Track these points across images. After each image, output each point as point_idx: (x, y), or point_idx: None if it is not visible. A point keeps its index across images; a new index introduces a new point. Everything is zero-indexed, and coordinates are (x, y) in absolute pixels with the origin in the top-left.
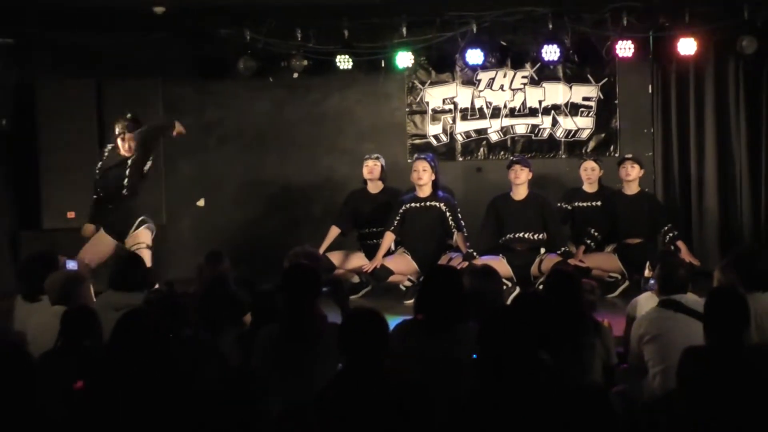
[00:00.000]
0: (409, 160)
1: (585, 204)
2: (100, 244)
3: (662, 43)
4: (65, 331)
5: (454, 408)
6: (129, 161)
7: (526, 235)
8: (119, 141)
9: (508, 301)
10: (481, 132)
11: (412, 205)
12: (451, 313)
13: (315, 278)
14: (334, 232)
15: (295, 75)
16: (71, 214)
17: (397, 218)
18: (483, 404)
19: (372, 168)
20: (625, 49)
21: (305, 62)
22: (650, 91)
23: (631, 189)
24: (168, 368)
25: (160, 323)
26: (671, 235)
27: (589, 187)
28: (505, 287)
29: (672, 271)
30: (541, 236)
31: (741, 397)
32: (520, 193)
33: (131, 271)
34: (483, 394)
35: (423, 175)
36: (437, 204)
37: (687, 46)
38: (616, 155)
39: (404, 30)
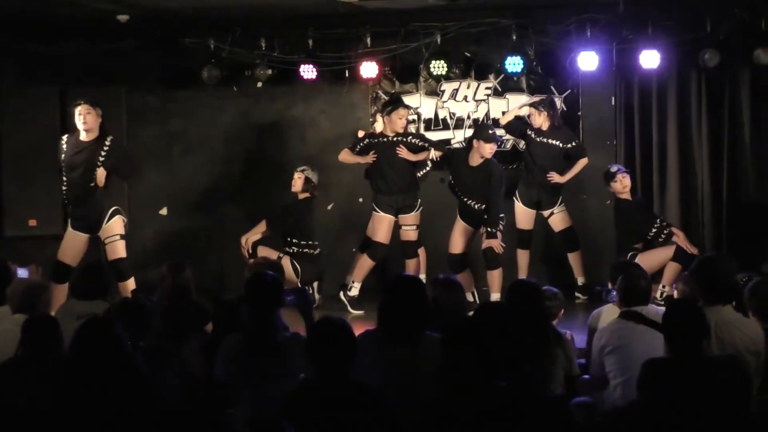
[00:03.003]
0: None
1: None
2: (72, 242)
3: (625, 55)
4: (26, 340)
5: (417, 418)
6: (103, 151)
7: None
8: (80, 119)
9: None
10: (445, 142)
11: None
12: (414, 323)
13: (277, 288)
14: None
15: (259, 84)
16: (33, 222)
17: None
18: (445, 414)
19: (295, 181)
20: (588, 60)
21: (269, 72)
22: (613, 103)
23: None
24: (129, 377)
25: (121, 331)
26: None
27: None
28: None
29: (633, 283)
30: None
31: (701, 408)
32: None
33: (93, 279)
34: (445, 404)
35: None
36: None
37: (650, 59)
38: None
39: (368, 40)
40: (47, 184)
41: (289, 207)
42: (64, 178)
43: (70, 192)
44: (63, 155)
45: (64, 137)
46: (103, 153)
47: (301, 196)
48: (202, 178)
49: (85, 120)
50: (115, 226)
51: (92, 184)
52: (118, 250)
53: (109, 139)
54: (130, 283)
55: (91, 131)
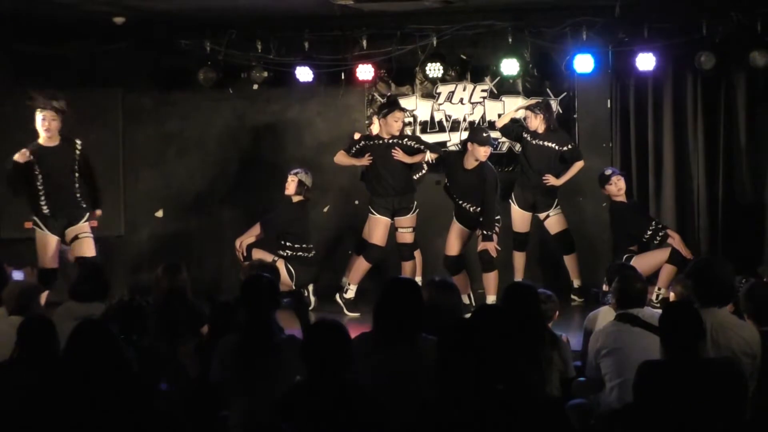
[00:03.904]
0: None
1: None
2: (51, 247)
3: (621, 57)
4: (22, 342)
5: (412, 420)
6: (77, 149)
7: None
8: (41, 120)
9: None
10: (441, 145)
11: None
12: (410, 325)
13: (273, 291)
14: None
15: (255, 86)
16: (28, 225)
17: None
18: (441, 417)
19: (288, 183)
20: (584, 63)
21: (265, 74)
22: (609, 105)
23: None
24: (124, 378)
25: (116, 333)
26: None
27: None
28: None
29: (629, 285)
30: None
31: (697, 411)
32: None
33: (92, 281)
34: (441, 406)
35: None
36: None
37: (646, 61)
38: None
39: (364, 43)
40: None
41: (282, 210)
42: (41, 185)
43: (51, 197)
44: (36, 164)
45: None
46: (77, 156)
47: (295, 199)
48: (198, 180)
49: (49, 126)
50: (87, 224)
51: (77, 185)
52: (91, 247)
53: (78, 143)
54: None
55: (54, 137)
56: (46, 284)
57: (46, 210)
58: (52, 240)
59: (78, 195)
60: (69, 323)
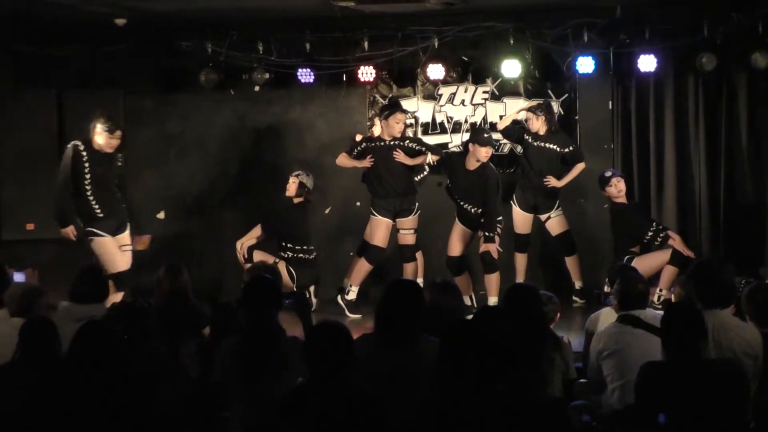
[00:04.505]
0: None
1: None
2: (111, 249)
3: (623, 59)
4: (24, 343)
5: (414, 421)
6: (119, 158)
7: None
8: (107, 138)
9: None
10: (442, 147)
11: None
12: (412, 326)
13: (275, 292)
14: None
15: (257, 88)
16: (30, 226)
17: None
18: (443, 418)
19: (289, 185)
20: (585, 64)
21: (267, 75)
22: (610, 106)
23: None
24: (126, 379)
25: (119, 334)
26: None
27: None
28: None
29: (631, 287)
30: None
31: (698, 412)
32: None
33: (91, 283)
34: (443, 407)
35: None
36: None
37: (647, 63)
38: None
39: (366, 44)
40: (45, 188)
41: (283, 212)
42: (90, 188)
43: (104, 202)
44: (87, 166)
45: (80, 145)
46: (119, 164)
47: (296, 200)
48: (199, 181)
49: (113, 145)
50: (128, 236)
51: (118, 195)
52: (128, 260)
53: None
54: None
55: (112, 147)
56: (122, 287)
57: (100, 214)
58: (113, 242)
59: (122, 202)
60: (70, 325)
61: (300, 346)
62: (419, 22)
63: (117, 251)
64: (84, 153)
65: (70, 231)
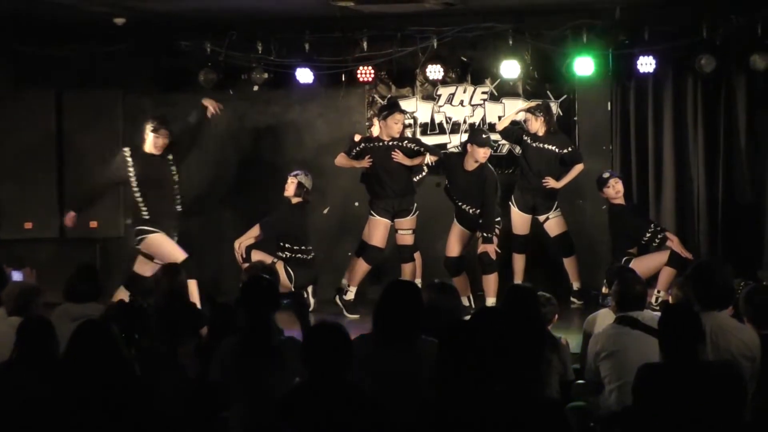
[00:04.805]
0: None
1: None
2: (168, 242)
3: (622, 60)
4: (21, 342)
5: (412, 422)
6: (170, 161)
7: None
8: (153, 138)
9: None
10: (441, 147)
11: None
12: (410, 327)
13: (273, 292)
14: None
15: (256, 88)
16: (28, 225)
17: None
18: (441, 419)
19: (288, 185)
20: (584, 66)
21: (266, 75)
22: (609, 108)
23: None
24: (125, 379)
25: (117, 334)
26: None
27: None
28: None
29: (628, 288)
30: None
31: (696, 414)
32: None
33: (86, 282)
34: (441, 408)
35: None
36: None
37: (646, 64)
38: None
39: (365, 44)
40: (43, 187)
41: (281, 212)
42: (137, 190)
43: (153, 205)
44: (131, 170)
45: (127, 153)
46: (172, 166)
47: (294, 200)
48: (198, 181)
49: (158, 146)
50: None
51: (175, 198)
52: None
53: (173, 160)
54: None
55: (160, 149)
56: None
57: (146, 215)
58: (164, 236)
59: (176, 205)
60: (67, 324)
61: (298, 347)
62: (418, 23)
63: (171, 243)
64: (129, 159)
65: (71, 216)
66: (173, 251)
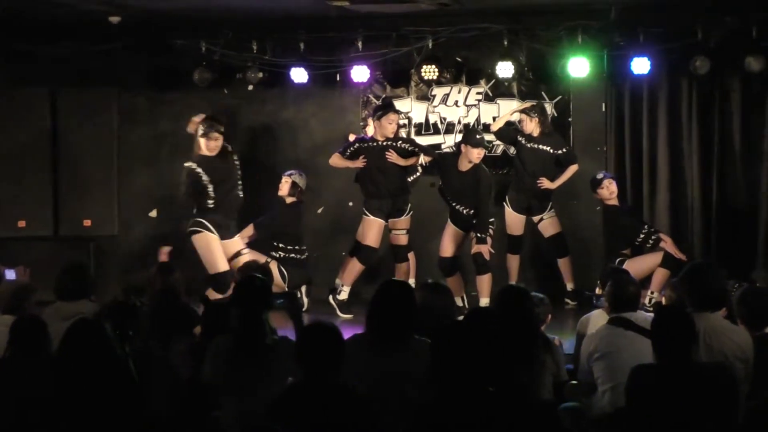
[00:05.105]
0: None
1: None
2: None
3: (616, 61)
4: (15, 341)
5: (405, 422)
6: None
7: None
8: (205, 142)
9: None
10: (436, 147)
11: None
12: (403, 327)
13: (267, 291)
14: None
15: (250, 87)
16: (22, 224)
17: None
18: (434, 418)
19: (282, 185)
20: (579, 67)
21: (260, 74)
22: (604, 109)
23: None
24: (118, 378)
25: (110, 333)
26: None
27: None
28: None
29: (622, 289)
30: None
31: (689, 415)
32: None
33: (76, 280)
34: (434, 408)
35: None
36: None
37: (641, 66)
38: None
39: (360, 44)
40: (37, 185)
41: (275, 211)
42: (211, 189)
43: (220, 201)
44: (204, 180)
45: (194, 166)
46: (236, 162)
47: (288, 200)
48: None
49: (212, 148)
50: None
51: (240, 196)
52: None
53: (234, 153)
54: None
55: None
56: (221, 289)
57: (211, 204)
58: (217, 241)
59: (237, 204)
60: (58, 323)
61: (291, 346)
62: (413, 23)
63: (219, 252)
64: (198, 170)
65: (165, 251)
66: (217, 260)
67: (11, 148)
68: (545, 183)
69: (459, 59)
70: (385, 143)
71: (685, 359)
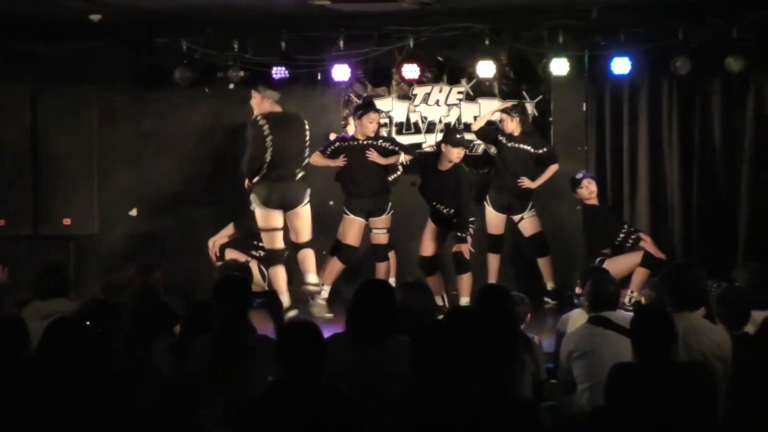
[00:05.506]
0: None
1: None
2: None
3: (597, 61)
4: None
5: (386, 420)
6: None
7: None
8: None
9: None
10: (417, 146)
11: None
12: (383, 326)
13: (247, 290)
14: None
15: (232, 86)
16: (1, 222)
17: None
18: (414, 417)
19: None
20: (560, 66)
21: (242, 73)
22: (584, 108)
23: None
24: (98, 377)
25: (90, 332)
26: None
27: None
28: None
29: (602, 288)
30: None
31: (667, 414)
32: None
33: (53, 278)
34: (414, 407)
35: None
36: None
37: (622, 66)
38: None
39: (342, 43)
40: (17, 184)
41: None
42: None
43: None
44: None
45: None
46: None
47: None
48: (173, 179)
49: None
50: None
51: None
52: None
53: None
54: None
55: None
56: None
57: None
58: (277, 216)
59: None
60: (37, 322)
61: (271, 345)
62: (395, 22)
63: (278, 228)
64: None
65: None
66: (274, 237)
67: (5, 144)
68: (526, 182)
69: (440, 58)
70: (365, 142)
71: (665, 358)
